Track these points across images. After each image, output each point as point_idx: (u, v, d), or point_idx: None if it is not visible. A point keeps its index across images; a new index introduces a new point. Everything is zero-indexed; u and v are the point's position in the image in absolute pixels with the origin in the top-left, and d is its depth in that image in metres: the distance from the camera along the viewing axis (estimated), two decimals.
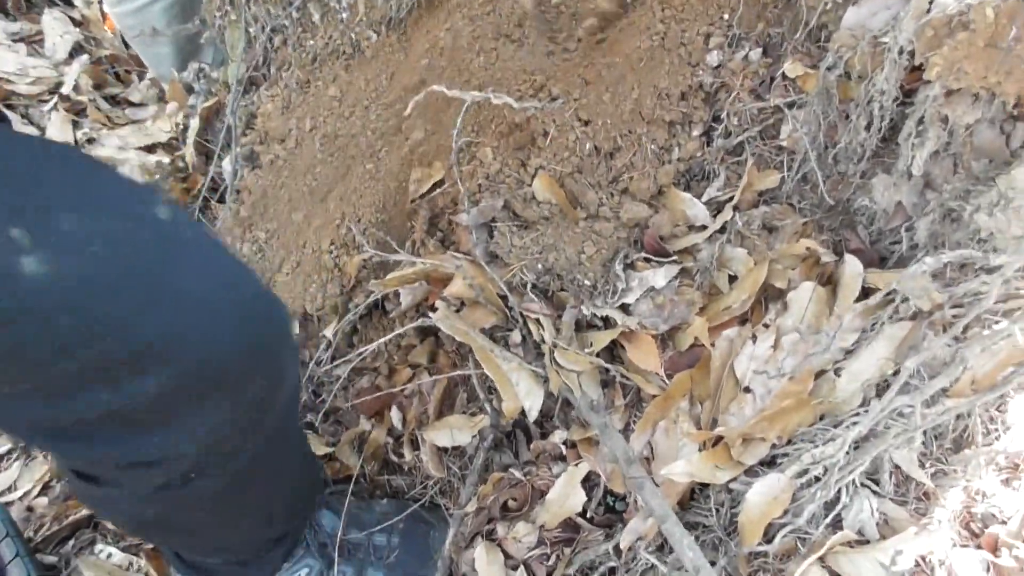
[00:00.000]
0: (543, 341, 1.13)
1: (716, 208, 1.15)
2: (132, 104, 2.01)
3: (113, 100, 2.02)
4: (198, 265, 0.70)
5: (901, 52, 0.92)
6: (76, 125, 1.93)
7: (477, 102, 1.16)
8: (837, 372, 1.01)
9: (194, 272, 0.70)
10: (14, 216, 0.60)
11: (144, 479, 0.79)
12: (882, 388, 0.98)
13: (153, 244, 0.67)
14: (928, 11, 0.90)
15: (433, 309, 1.21)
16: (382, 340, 1.19)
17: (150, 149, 1.81)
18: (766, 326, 1.07)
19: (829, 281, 1.08)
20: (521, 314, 1.16)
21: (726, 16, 1.15)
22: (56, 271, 0.60)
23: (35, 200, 0.61)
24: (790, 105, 1.09)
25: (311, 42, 1.62)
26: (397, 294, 1.28)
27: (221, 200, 1.70)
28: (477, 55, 1.26)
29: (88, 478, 0.81)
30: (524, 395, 1.14)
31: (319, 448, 1.36)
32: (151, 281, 0.66)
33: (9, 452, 1.52)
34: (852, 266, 1.04)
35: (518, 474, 1.18)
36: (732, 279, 1.12)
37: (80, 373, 0.65)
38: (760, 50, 1.13)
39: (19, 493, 1.46)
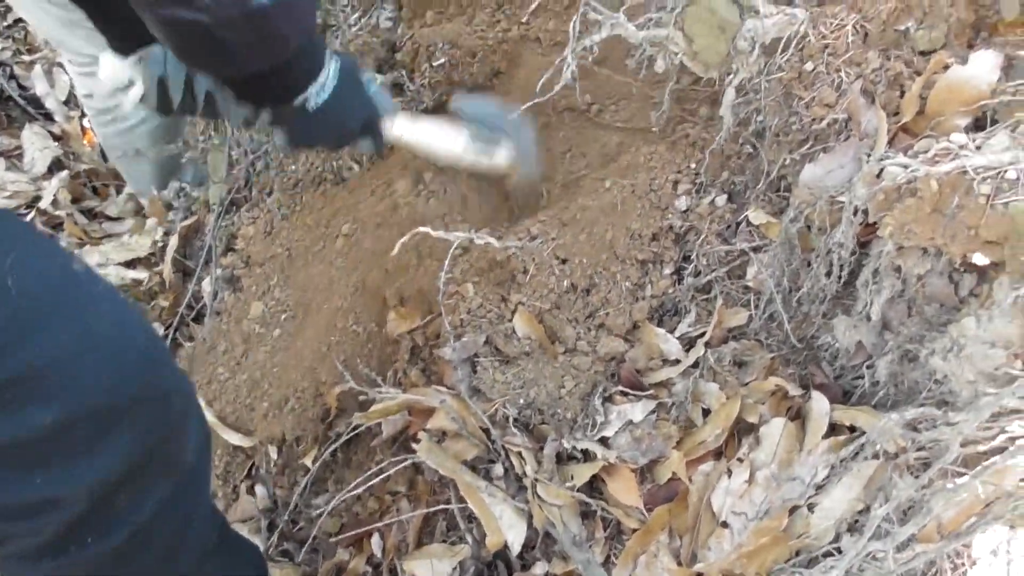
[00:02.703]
0: (525, 474, 1.16)
1: (688, 343, 1.20)
2: (109, 218, 2.04)
3: (90, 214, 2.04)
4: (101, 309, 0.76)
5: (856, 211, 1.00)
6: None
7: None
8: (810, 508, 1.05)
9: (97, 313, 0.75)
10: None
11: (30, 531, 0.77)
12: (853, 525, 1.02)
13: (62, 284, 0.73)
14: (879, 177, 0.98)
15: (414, 438, 1.23)
16: (367, 476, 1.20)
17: (129, 264, 1.82)
18: (740, 460, 1.11)
19: (798, 415, 1.13)
20: (503, 447, 1.18)
21: (693, 165, 1.24)
22: None
23: None
24: (755, 249, 1.17)
25: (293, 167, 1.67)
26: (379, 424, 1.30)
27: (197, 319, 1.71)
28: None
29: None
30: (507, 528, 1.16)
31: None
32: (55, 313, 0.71)
33: None
34: (819, 403, 1.09)
35: None
36: (706, 412, 1.17)
37: None
38: (725, 196, 1.22)
39: None
